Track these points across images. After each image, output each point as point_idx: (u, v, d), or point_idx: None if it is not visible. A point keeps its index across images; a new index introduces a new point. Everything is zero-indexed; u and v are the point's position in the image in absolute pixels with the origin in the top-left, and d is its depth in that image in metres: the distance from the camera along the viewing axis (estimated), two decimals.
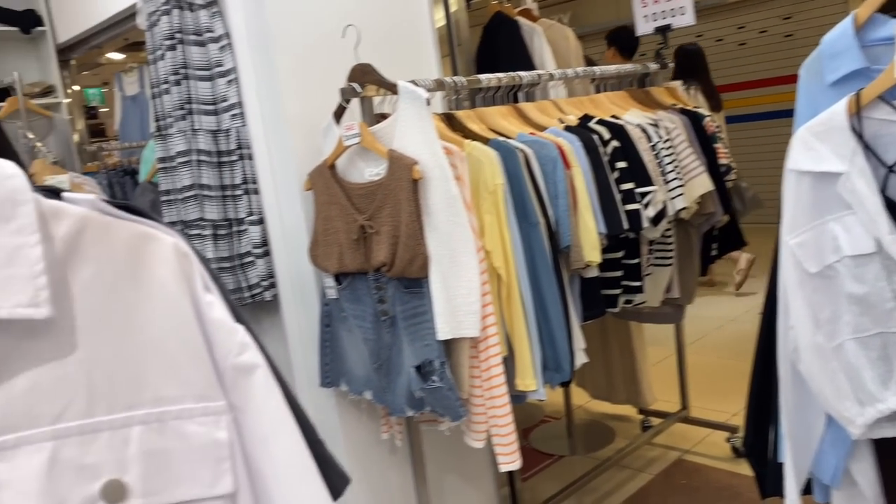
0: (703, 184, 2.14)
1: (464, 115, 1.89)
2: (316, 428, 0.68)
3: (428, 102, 1.58)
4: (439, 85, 1.79)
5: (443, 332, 1.58)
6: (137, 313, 0.55)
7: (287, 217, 1.92)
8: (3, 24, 3.08)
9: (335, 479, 0.66)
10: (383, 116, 1.74)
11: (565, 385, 1.84)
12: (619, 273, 2.01)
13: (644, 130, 2.04)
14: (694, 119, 2.27)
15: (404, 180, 1.56)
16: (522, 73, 1.99)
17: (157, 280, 0.56)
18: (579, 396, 3.17)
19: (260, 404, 0.58)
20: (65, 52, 3.15)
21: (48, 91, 3.19)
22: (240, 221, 1.97)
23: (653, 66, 2.49)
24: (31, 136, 2.64)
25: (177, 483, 0.55)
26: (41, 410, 0.52)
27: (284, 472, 0.58)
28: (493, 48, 2.80)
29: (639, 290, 2.04)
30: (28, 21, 3.12)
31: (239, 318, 0.61)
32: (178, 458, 0.55)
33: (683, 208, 2.09)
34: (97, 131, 4.36)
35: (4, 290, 0.49)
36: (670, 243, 2.17)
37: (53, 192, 0.55)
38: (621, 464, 2.76)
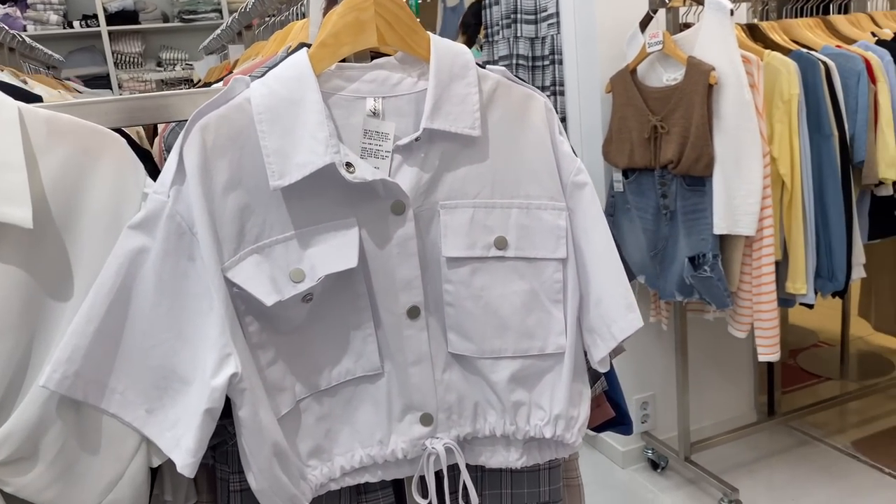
0: None
1: (767, 26, 1.95)
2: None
3: (731, 13, 1.69)
4: None
5: (719, 227, 1.74)
6: (520, 143, 0.87)
7: (586, 117, 2.17)
8: None
9: None
10: (686, 26, 1.88)
11: (838, 295, 1.89)
12: None
13: None
14: None
15: (700, 85, 1.71)
16: None
17: (533, 123, 0.87)
18: (860, 327, 3.07)
19: (586, 208, 0.88)
20: None
21: None
22: None
23: None
24: None
25: (534, 245, 0.88)
26: (468, 190, 0.86)
27: (597, 250, 0.88)
28: None
29: None
30: None
31: None
32: (536, 231, 0.87)
33: None
34: None
35: (457, 119, 0.82)
36: None
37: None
38: (890, 393, 2.69)
